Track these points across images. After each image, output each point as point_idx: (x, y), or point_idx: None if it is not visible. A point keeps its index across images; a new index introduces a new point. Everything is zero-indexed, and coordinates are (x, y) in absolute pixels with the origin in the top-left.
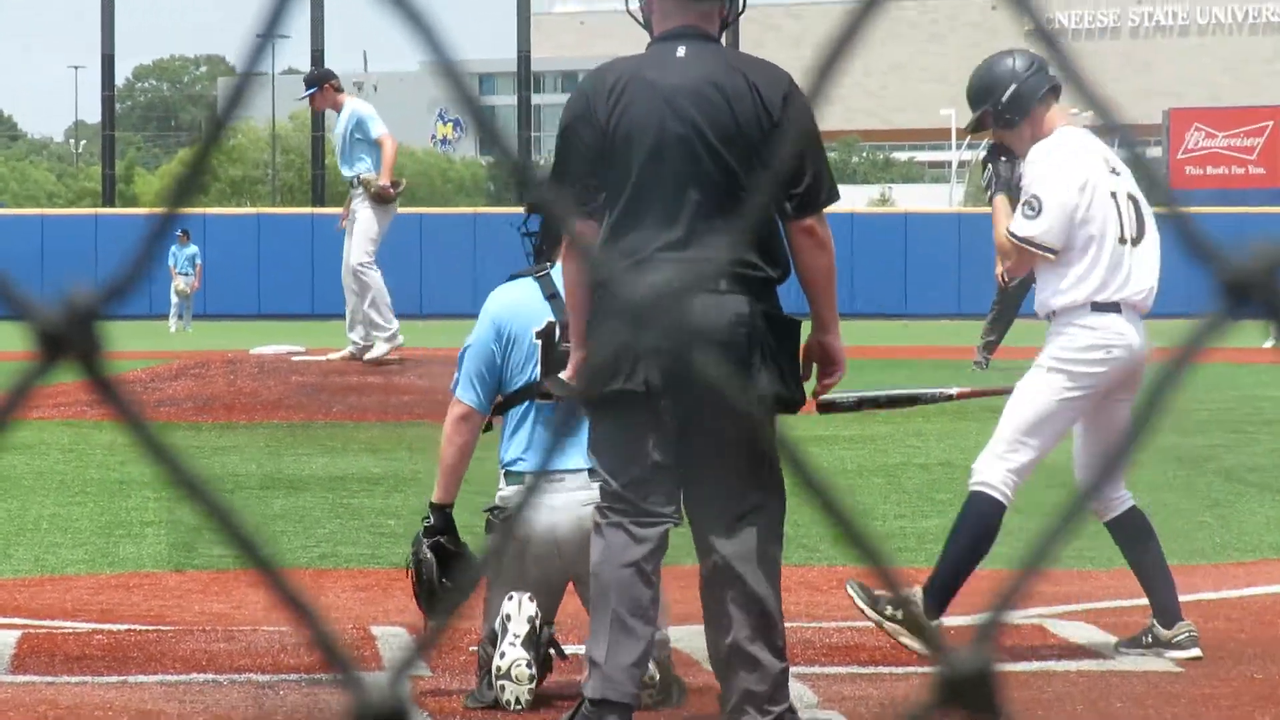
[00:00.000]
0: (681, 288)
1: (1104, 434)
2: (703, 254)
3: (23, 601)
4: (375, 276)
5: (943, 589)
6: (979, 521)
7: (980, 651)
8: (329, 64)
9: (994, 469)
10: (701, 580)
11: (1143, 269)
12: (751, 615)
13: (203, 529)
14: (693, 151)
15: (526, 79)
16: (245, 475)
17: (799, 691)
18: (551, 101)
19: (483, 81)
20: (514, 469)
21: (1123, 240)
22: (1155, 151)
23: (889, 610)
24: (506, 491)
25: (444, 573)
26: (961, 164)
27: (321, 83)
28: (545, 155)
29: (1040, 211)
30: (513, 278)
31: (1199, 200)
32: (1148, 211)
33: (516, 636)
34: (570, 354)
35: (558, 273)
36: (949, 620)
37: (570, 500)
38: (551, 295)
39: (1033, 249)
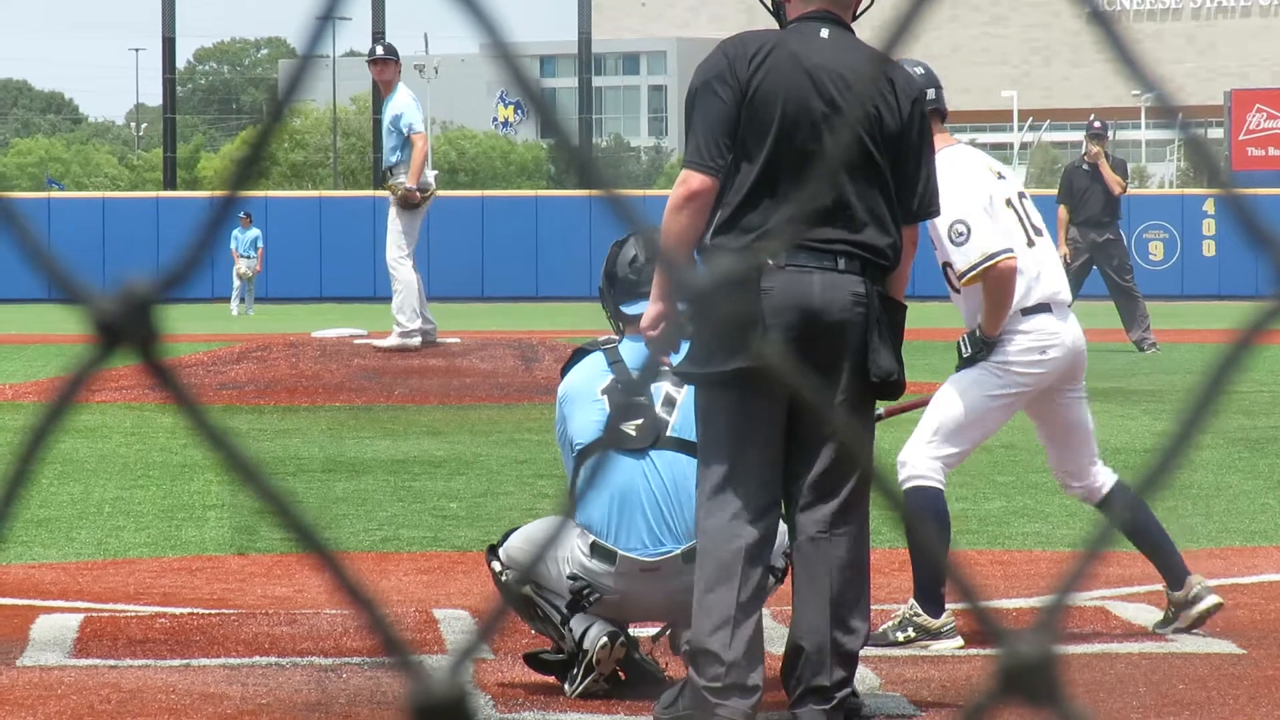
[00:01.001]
0: (739, 276)
1: (1060, 429)
2: (815, 235)
3: (85, 585)
4: (405, 273)
5: (931, 589)
6: (929, 514)
7: (1041, 639)
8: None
9: (923, 461)
10: (791, 559)
11: (1052, 264)
12: (831, 599)
13: (264, 513)
14: (824, 131)
15: (587, 61)
16: (307, 459)
17: (861, 674)
18: (613, 84)
19: (544, 64)
20: (602, 543)
21: (1030, 244)
22: (1217, 133)
23: (898, 636)
24: (592, 566)
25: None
26: (1023, 146)
27: (398, 56)
28: (606, 138)
29: (971, 230)
30: (582, 350)
31: (1260, 182)
32: (1030, 203)
33: (602, 675)
34: (649, 305)
35: (624, 347)
36: (1021, 602)
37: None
38: (614, 362)
39: (999, 262)
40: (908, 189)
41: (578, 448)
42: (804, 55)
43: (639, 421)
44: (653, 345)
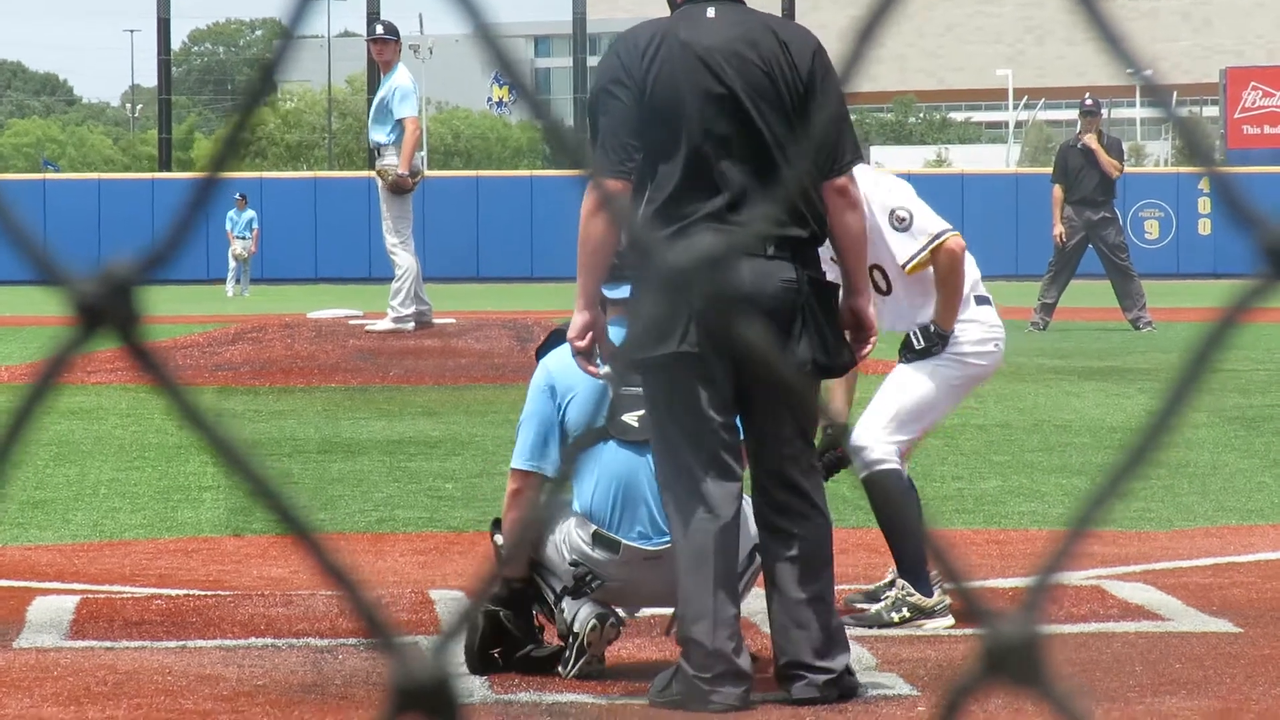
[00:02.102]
0: (720, 255)
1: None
2: (743, 217)
3: (81, 566)
4: (405, 258)
5: (916, 566)
6: (897, 493)
7: (1026, 619)
8: None
9: (882, 445)
10: (758, 538)
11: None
12: (802, 573)
13: (253, 494)
14: (730, 112)
15: (582, 41)
16: (303, 440)
17: (857, 653)
18: None
19: (538, 44)
20: (605, 533)
21: None
22: (1212, 110)
23: (893, 616)
24: (595, 555)
25: (492, 643)
26: (1018, 124)
27: (398, 36)
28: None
29: (912, 214)
30: (561, 332)
31: (1256, 160)
32: None
33: (595, 658)
34: (574, 315)
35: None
36: (1017, 581)
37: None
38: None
39: (946, 240)
40: (823, 148)
41: (577, 432)
42: (694, 41)
43: (640, 413)
44: (579, 358)
